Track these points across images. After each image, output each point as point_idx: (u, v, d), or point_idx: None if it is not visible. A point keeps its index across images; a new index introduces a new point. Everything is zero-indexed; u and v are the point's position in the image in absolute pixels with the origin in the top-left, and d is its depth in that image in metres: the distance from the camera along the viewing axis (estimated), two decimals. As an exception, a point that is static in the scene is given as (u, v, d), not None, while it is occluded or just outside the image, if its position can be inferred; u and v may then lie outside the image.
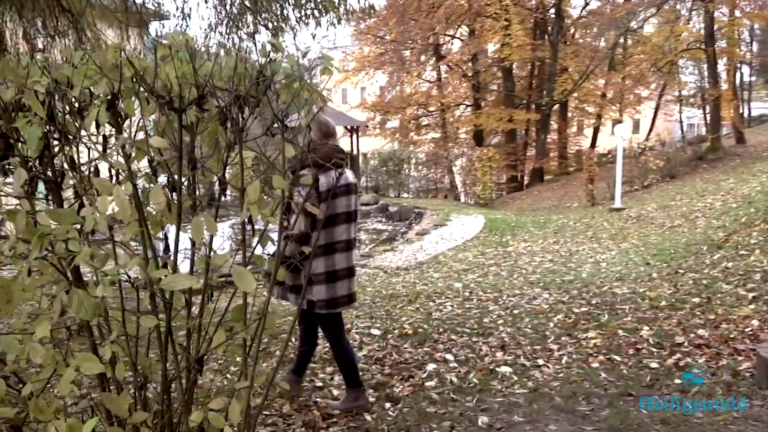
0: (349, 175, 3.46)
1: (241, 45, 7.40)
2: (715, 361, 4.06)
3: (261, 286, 3.10)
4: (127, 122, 1.94)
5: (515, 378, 4.01)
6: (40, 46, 6.35)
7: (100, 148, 1.95)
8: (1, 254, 1.76)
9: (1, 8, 6.08)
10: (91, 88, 1.72)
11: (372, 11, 8.97)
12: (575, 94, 25.13)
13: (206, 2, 13.03)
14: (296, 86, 1.98)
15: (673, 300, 5.55)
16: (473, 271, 8.65)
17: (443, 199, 23.01)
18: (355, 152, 21.81)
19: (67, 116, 1.80)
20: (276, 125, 2.07)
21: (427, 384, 4.00)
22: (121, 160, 1.90)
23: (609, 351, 4.39)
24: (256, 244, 2.29)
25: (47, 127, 1.74)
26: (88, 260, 1.70)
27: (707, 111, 25.12)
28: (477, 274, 8.34)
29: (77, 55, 1.71)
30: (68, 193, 1.97)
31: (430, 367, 4.31)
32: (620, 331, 4.77)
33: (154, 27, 10.64)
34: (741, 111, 28.97)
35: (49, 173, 1.87)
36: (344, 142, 22.91)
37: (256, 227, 2.11)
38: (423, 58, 27.63)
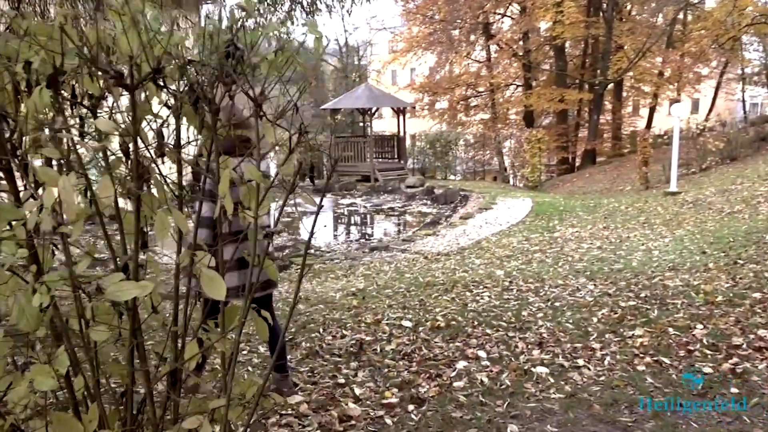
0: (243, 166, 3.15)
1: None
2: (777, 366, 3.66)
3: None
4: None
5: (551, 380, 3.69)
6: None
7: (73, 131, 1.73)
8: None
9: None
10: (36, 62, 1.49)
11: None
12: (630, 73, 24.11)
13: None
14: (280, 60, 1.71)
15: (731, 295, 5.10)
16: (516, 257, 8.28)
17: (491, 182, 22.52)
18: (401, 133, 21.50)
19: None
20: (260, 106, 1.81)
21: (456, 384, 3.73)
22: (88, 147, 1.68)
23: (657, 352, 4.01)
24: (240, 241, 2.04)
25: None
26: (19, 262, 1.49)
27: (773, 89, 23.78)
28: (520, 261, 7.98)
29: (24, 23, 1.48)
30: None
31: (461, 364, 4.03)
32: (671, 329, 4.38)
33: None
34: (810, 89, 27.35)
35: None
36: (390, 124, 22.64)
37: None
38: (472, 37, 26.98)
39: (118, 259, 1.69)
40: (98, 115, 1.72)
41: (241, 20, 1.57)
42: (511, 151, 22.25)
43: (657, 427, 3.03)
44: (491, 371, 3.90)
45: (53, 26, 1.43)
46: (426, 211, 15.28)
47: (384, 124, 36.76)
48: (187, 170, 1.81)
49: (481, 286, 6.16)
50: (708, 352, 3.96)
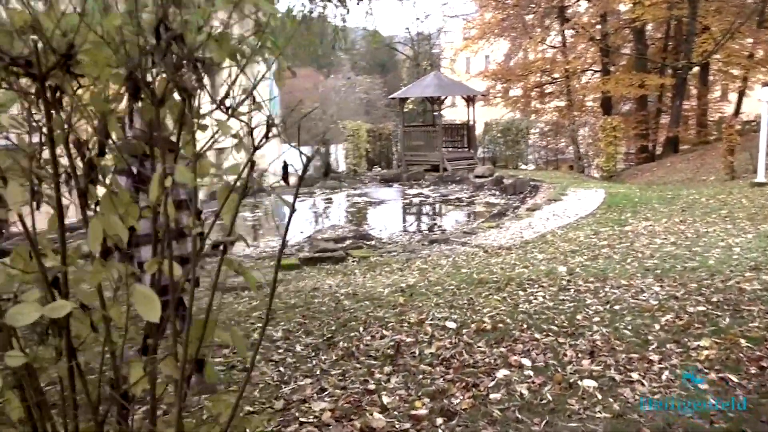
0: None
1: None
2: None
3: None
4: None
5: (599, 396, 3.34)
6: None
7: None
8: None
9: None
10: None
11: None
12: (717, 56, 22.59)
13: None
14: (232, 44, 1.48)
15: (819, 301, 4.54)
16: (582, 253, 7.80)
17: (565, 171, 21.71)
18: (471, 122, 21.02)
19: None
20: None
21: (492, 396, 3.43)
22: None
23: (724, 367, 3.57)
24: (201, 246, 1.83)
25: None
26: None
27: None
28: (585, 257, 7.50)
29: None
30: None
31: (501, 373, 3.73)
32: (742, 341, 3.91)
33: None
34: None
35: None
36: (464, 113, 22.16)
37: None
38: (547, 22, 26.00)
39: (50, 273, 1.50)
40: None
41: (173, -5, 1.35)
42: (586, 139, 21.33)
43: (715, 459, 2.66)
44: (533, 383, 3.57)
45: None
46: (493, 202, 14.84)
47: (457, 112, 36.21)
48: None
49: (537, 285, 5.79)
50: (785, 368, 3.50)
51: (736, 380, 3.39)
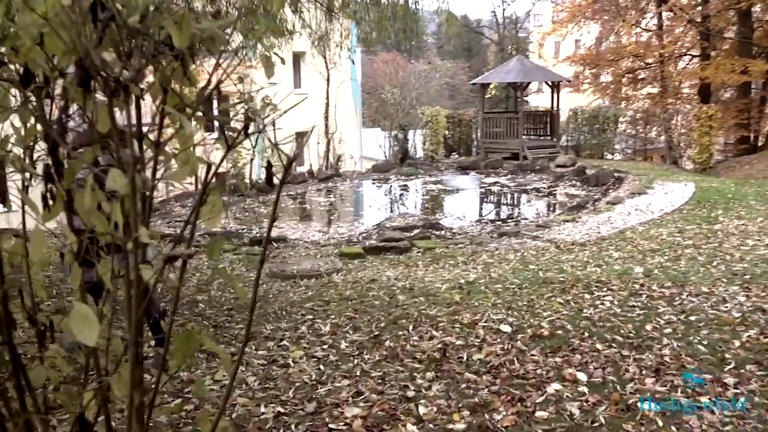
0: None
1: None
2: None
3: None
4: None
5: (659, 423, 2.97)
6: None
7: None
8: None
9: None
10: None
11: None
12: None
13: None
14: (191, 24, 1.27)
15: None
16: (663, 252, 7.24)
17: (653, 162, 20.57)
18: (555, 109, 20.21)
19: None
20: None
21: (539, 414, 3.12)
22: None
23: (813, 397, 3.12)
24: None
25: None
26: None
27: None
28: (666, 257, 6.95)
29: None
30: None
31: (552, 388, 3.41)
32: (838, 367, 3.42)
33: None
34: None
35: None
36: (547, 99, 21.38)
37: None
38: (642, 3, 24.61)
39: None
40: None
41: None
42: (678, 128, 20.07)
43: None
44: (587, 401, 3.24)
45: None
46: (573, 194, 14.19)
47: (543, 99, 35.05)
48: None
49: (605, 288, 5.36)
50: None
51: (825, 415, 2.94)
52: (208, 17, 1.40)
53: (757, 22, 23.10)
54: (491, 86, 25.56)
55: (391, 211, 13.22)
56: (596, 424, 3.00)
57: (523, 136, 19.53)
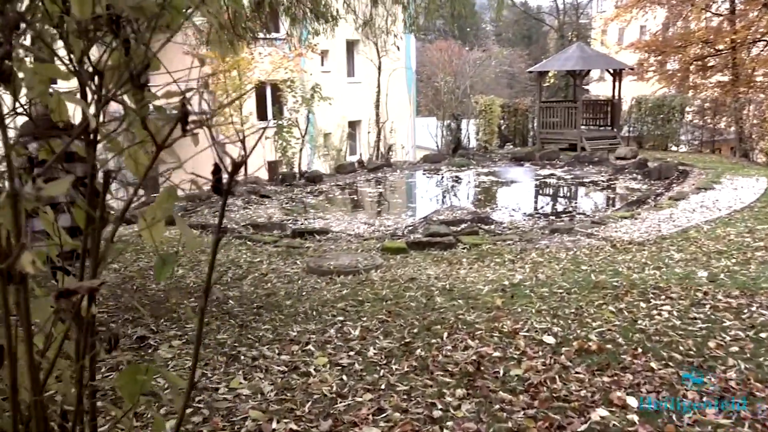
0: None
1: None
2: None
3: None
4: None
5: (722, 465, 2.55)
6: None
7: None
8: None
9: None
10: None
11: None
12: None
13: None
14: None
15: None
16: (730, 255, 6.65)
17: (723, 155, 19.46)
18: (616, 98, 19.34)
19: None
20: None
21: (579, 446, 2.75)
22: None
23: None
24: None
25: None
26: None
27: None
28: (734, 261, 6.37)
29: None
30: None
31: (598, 414, 3.01)
32: None
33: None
34: None
35: None
36: (605, 88, 20.51)
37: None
38: (714, -15, 23.27)
39: None
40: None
41: None
42: (750, 118, 18.89)
43: None
44: (636, 433, 2.83)
45: None
46: (634, 187, 13.49)
47: (606, 88, 33.74)
48: None
49: (664, 296, 4.87)
50: None
51: None
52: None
53: (840, 5, 21.51)
54: (549, 74, 24.74)
55: (443, 203, 12.84)
56: (646, 463, 2.60)
57: (582, 127, 18.78)
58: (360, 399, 3.35)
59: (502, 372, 3.58)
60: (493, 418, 3.05)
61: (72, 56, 1.14)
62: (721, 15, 24.14)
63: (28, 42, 1.14)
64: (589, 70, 21.15)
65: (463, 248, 7.78)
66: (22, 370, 1.15)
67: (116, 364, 3.93)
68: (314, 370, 3.79)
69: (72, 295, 1.01)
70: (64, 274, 1.37)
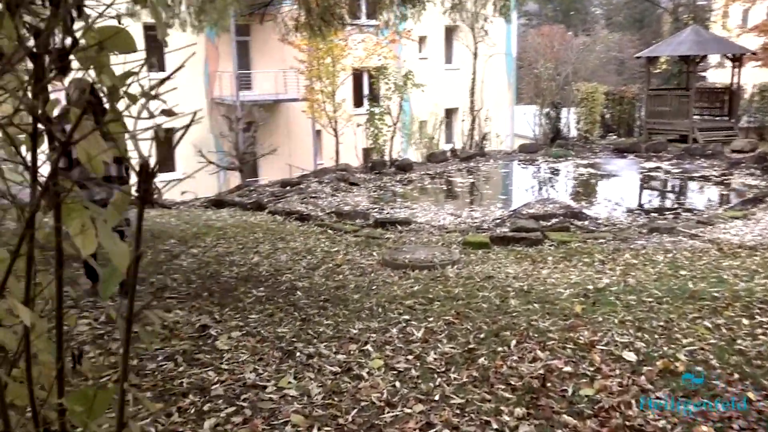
0: None
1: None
2: None
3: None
4: None
5: None
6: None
7: None
8: None
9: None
10: None
11: None
12: None
13: None
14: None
15: None
16: None
17: None
18: (735, 86, 17.82)
19: None
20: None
21: (649, 490, 2.37)
22: None
23: None
24: None
25: None
26: None
27: None
28: None
29: None
30: None
31: (676, 451, 2.61)
32: None
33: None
34: None
35: None
36: (723, 75, 18.95)
37: None
38: None
39: None
40: None
41: None
42: None
43: None
44: (720, 480, 2.41)
45: None
46: (750, 184, 12.35)
47: (725, 75, 31.28)
48: None
49: (772, 312, 4.29)
50: None
51: None
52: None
53: None
54: (660, 60, 23.20)
55: (539, 195, 12.29)
56: None
57: (695, 116, 17.46)
58: (409, 410, 3.09)
59: (570, 390, 3.21)
60: (553, 445, 2.72)
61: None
62: None
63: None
64: (704, 56, 19.63)
65: (550, 245, 7.31)
66: None
67: (173, 353, 3.89)
68: (367, 373, 3.57)
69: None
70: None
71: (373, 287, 5.55)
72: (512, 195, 12.83)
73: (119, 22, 1.13)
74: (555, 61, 20.53)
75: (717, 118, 18.31)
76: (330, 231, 8.36)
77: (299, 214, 9.57)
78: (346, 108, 17.49)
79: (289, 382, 3.46)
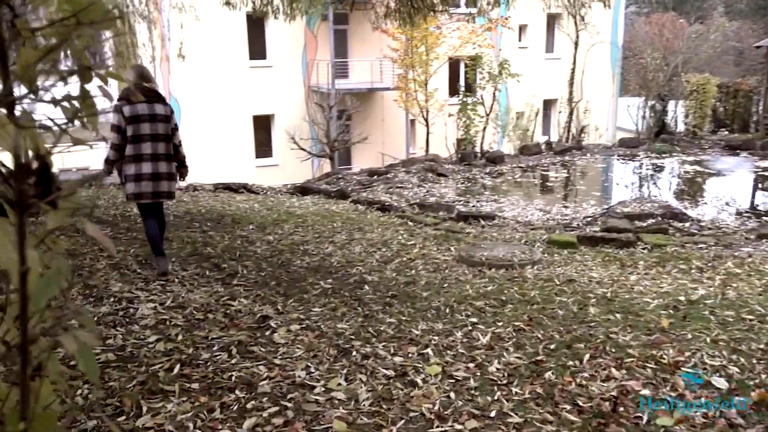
0: (157, 107, 4.82)
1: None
2: None
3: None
4: None
5: None
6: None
7: None
8: None
9: None
10: None
11: None
12: None
13: None
14: None
15: None
16: None
17: None
18: None
19: None
20: None
21: None
22: None
23: None
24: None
25: None
26: None
27: None
28: None
29: None
30: None
31: (765, 504, 2.22)
32: None
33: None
34: None
35: None
36: None
37: None
38: None
39: None
40: None
41: None
42: None
43: None
44: None
45: None
46: None
47: None
48: None
49: None
50: None
51: None
52: None
53: None
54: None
55: (637, 193, 11.57)
56: None
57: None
58: (460, 426, 2.84)
59: (645, 418, 2.85)
60: (617, 482, 2.39)
61: None
62: None
63: None
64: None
65: (643, 248, 6.77)
66: None
67: (229, 343, 3.82)
68: (422, 380, 3.34)
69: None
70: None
71: (444, 285, 5.30)
72: (608, 192, 12.14)
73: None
74: (664, 51, 19.26)
75: None
76: (410, 223, 8.17)
77: (381, 204, 9.43)
78: (438, 98, 17.18)
79: (339, 384, 3.29)
